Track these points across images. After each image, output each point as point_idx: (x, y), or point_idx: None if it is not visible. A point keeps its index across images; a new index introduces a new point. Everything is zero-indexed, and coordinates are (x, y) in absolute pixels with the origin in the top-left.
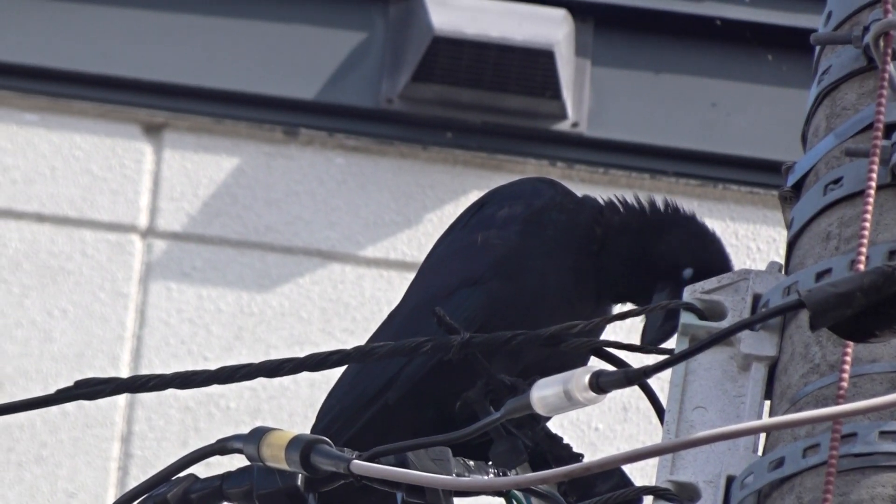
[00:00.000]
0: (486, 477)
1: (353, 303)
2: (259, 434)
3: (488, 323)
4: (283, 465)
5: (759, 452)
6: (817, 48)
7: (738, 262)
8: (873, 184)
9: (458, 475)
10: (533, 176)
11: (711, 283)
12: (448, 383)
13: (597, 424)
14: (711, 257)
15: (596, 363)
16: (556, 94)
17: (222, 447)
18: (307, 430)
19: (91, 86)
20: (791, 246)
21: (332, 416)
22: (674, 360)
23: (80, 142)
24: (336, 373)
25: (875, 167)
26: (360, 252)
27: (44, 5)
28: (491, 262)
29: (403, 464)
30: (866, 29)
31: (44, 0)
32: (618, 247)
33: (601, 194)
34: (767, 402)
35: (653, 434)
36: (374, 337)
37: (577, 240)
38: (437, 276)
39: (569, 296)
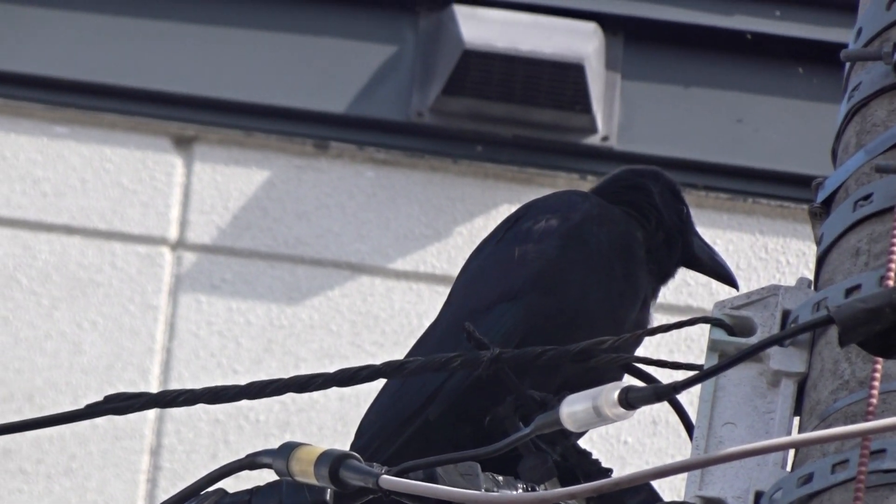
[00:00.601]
0: (514, 492)
1: (382, 315)
2: (288, 449)
3: (527, 338)
4: (312, 480)
5: (788, 468)
6: (847, 64)
7: (768, 275)
8: None
9: (486, 490)
10: (565, 189)
11: (741, 298)
12: (489, 398)
13: (626, 438)
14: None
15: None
16: (586, 107)
17: (251, 462)
18: (336, 444)
19: (122, 98)
20: (820, 262)
21: (372, 433)
22: (703, 375)
23: (111, 154)
24: (366, 387)
25: None
26: (390, 265)
27: (74, 18)
28: (529, 277)
29: (432, 479)
30: None
31: (74, 13)
32: (659, 244)
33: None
34: (797, 419)
35: (682, 448)
36: (412, 352)
37: (624, 249)
38: (474, 291)
39: (612, 309)
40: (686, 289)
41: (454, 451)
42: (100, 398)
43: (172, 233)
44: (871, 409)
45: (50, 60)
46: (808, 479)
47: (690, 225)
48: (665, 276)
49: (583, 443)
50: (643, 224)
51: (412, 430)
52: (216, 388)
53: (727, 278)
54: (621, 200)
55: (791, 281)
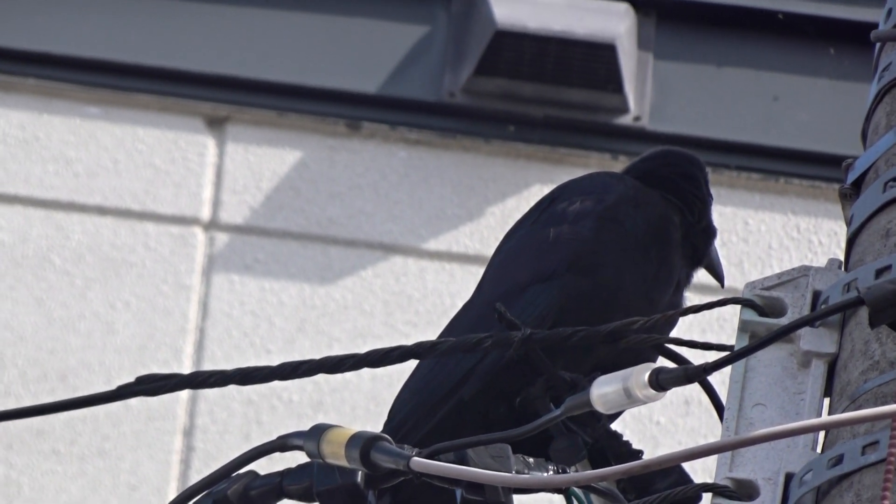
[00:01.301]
0: (545, 474)
1: (415, 295)
2: (319, 431)
3: (562, 319)
4: (343, 462)
5: (819, 449)
6: (877, 45)
7: (800, 255)
8: None
9: (517, 472)
10: (599, 171)
11: (772, 279)
12: (523, 378)
13: (658, 418)
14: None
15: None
16: (618, 87)
17: (283, 444)
18: (369, 424)
19: (154, 79)
20: (851, 243)
21: (406, 412)
22: (733, 357)
23: (143, 135)
24: (399, 367)
25: None
26: (423, 245)
27: None
28: (564, 258)
29: (463, 461)
30: None
31: None
32: (697, 231)
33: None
34: (827, 399)
35: (714, 428)
36: (446, 332)
37: (659, 232)
38: (509, 271)
39: (646, 291)
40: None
41: (487, 432)
42: (132, 378)
43: (205, 213)
44: None
45: (82, 41)
46: (839, 460)
47: (709, 216)
48: (699, 260)
49: (615, 423)
50: (681, 208)
51: (446, 410)
52: (247, 369)
53: (717, 275)
54: (665, 185)
55: (823, 261)
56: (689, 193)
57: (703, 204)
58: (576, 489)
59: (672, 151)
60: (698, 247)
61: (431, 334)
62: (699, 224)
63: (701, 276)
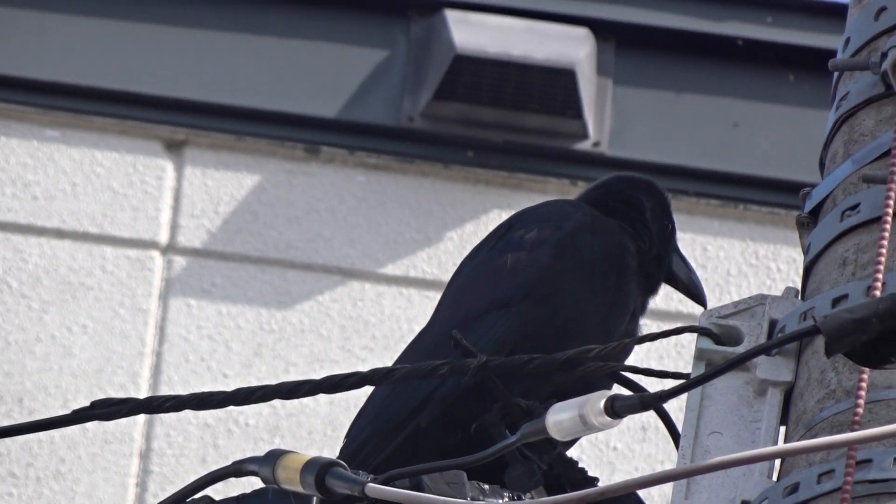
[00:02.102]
0: (500, 501)
1: (372, 320)
2: (274, 456)
3: (520, 346)
4: (299, 488)
5: (775, 478)
6: (835, 74)
7: (759, 281)
8: (890, 210)
9: (472, 499)
10: (557, 198)
11: (728, 308)
12: (481, 405)
13: (615, 444)
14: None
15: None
16: (577, 113)
17: (238, 469)
18: (326, 448)
19: (112, 102)
20: (807, 271)
21: (363, 439)
22: (689, 385)
23: (101, 158)
24: (356, 392)
25: (892, 194)
26: (380, 270)
27: (65, 21)
28: (521, 285)
29: (418, 487)
30: (884, 55)
31: (65, 16)
32: (651, 264)
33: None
34: (783, 428)
35: (671, 454)
36: (402, 358)
37: (616, 260)
38: (466, 298)
39: (603, 318)
40: (676, 295)
41: (443, 459)
42: (89, 402)
43: (163, 237)
44: (857, 418)
45: (41, 64)
46: (794, 488)
47: (673, 240)
48: (653, 289)
49: (572, 448)
50: (635, 236)
51: (403, 437)
52: (203, 394)
53: (699, 298)
54: (614, 212)
55: (782, 287)
56: (634, 220)
57: (648, 230)
58: None
59: (618, 178)
60: (651, 274)
61: (388, 359)
62: (650, 251)
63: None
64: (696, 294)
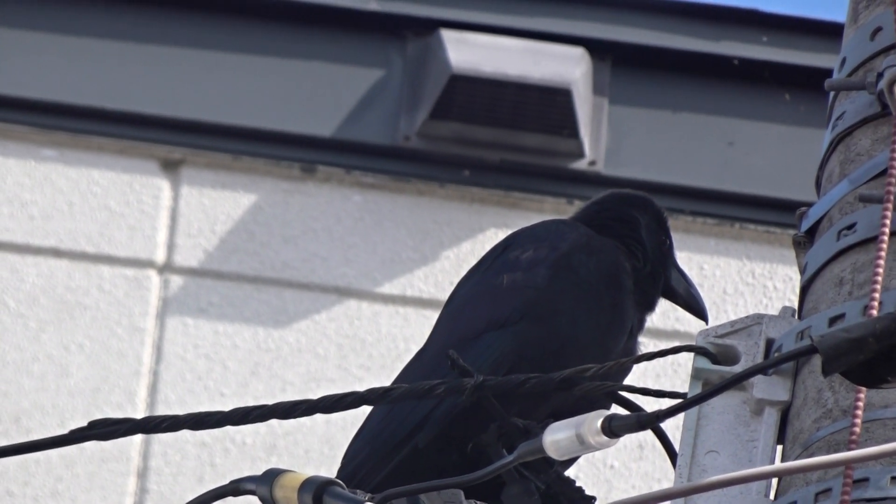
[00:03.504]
0: None
1: (369, 339)
2: (272, 476)
3: (516, 366)
4: None
5: (772, 496)
6: (831, 93)
7: (755, 300)
8: (887, 230)
9: None
10: (553, 218)
11: (725, 327)
12: (478, 425)
13: (612, 462)
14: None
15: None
16: (573, 132)
17: (235, 488)
18: (323, 467)
19: (109, 122)
20: (804, 291)
21: (361, 459)
22: (686, 404)
23: (98, 177)
24: (353, 411)
25: (889, 213)
26: (377, 289)
27: (62, 41)
28: (518, 305)
29: None
30: (880, 75)
31: (62, 36)
32: (647, 281)
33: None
34: (780, 447)
35: (669, 472)
36: (399, 378)
37: (612, 279)
38: (463, 318)
39: (600, 338)
40: (673, 314)
41: (441, 479)
42: (87, 421)
43: (160, 256)
44: (854, 437)
45: (38, 83)
46: None
47: (671, 256)
48: (650, 305)
49: (570, 467)
50: (631, 254)
51: (401, 457)
52: (200, 414)
53: (699, 313)
54: (609, 230)
55: (778, 306)
56: (629, 237)
57: (644, 247)
58: None
59: (613, 195)
60: (648, 292)
61: (385, 378)
62: (645, 268)
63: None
64: (695, 308)
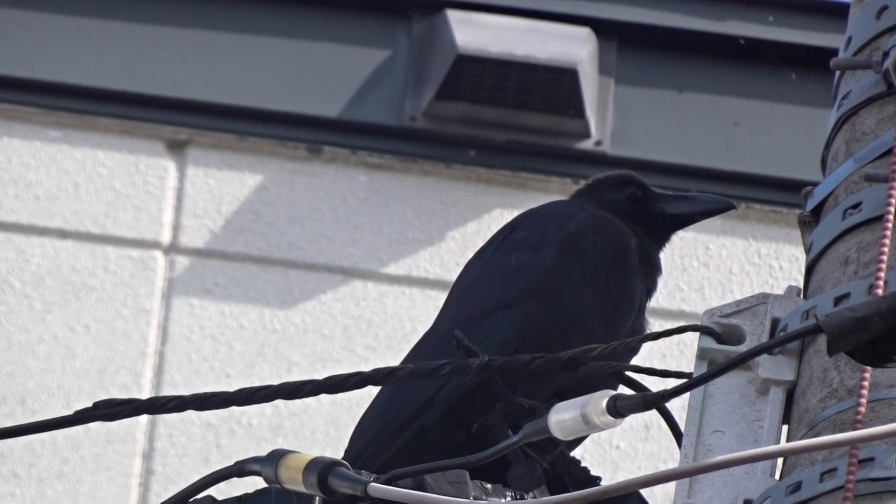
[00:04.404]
0: (503, 500)
1: (375, 320)
2: (277, 456)
3: (523, 346)
4: (301, 488)
5: (777, 477)
6: (837, 73)
7: (761, 280)
8: (892, 209)
9: (475, 498)
10: (560, 199)
11: (730, 307)
12: (485, 405)
13: (618, 443)
14: None
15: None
16: (579, 112)
17: (240, 469)
18: (328, 448)
19: (115, 102)
20: (810, 270)
21: (367, 439)
22: (692, 384)
23: (104, 158)
24: (359, 392)
25: (894, 192)
26: (383, 269)
27: (68, 22)
28: (525, 285)
29: (421, 486)
30: (886, 54)
31: (68, 17)
32: (652, 255)
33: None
34: (785, 427)
35: (674, 453)
36: (407, 359)
37: (619, 258)
38: (471, 299)
39: (607, 318)
40: (679, 294)
41: (447, 459)
42: (92, 401)
43: (165, 237)
44: (859, 417)
45: (44, 64)
46: (797, 487)
47: (654, 195)
48: (654, 274)
49: (575, 447)
50: (636, 232)
51: (407, 437)
52: (205, 394)
53: (720, 207)
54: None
55: (784, 286)
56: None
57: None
58: None
59: (599, 180)
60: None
61: (391, 359)
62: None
63: (661, 301)
64: (713, 208)
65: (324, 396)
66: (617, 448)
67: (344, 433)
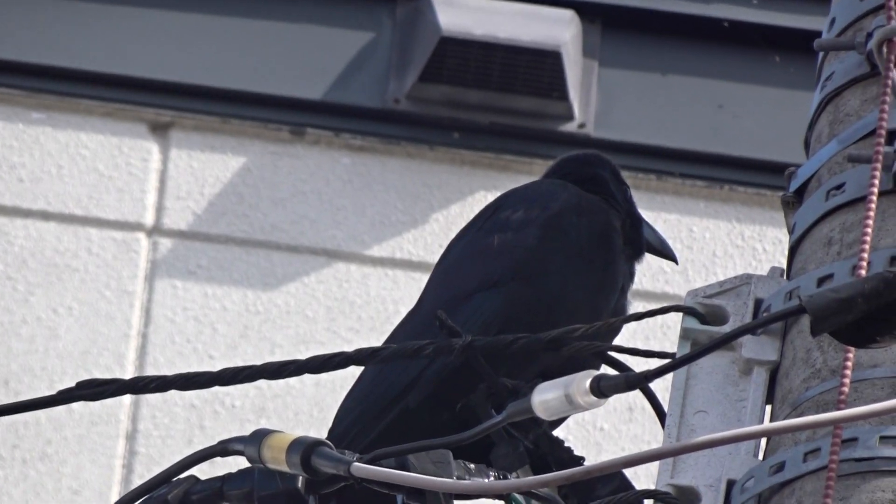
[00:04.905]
0: (486, 480)
1: (358, 302)
2: (260, 436)
3: (507, 327)
4: (284, 468)
5: (760, 456)
6: (821, 54)
7: (745, 263)
8: (875, 190)
9: (458, 478)
10: (544, 179)
11: (713, 287)
12: (469, 386)
13: (602, 424)
14: None
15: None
16: (563, 94)
17: (223, 449)
18: (312, 430)
19: (98, 84)
20: (793, 251)
21: (351, 420)
22: (675, 364)
23: (87, 140)
24: (342, 373)
25: (877, 173)
26: (366, 251)
27: (51, 4)
28: (509, 265)
29: (404, 466)
30: (869, 35)
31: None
32: (632, 233)
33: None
34: (768, 407)
35: (658, 435)
36: (390, 340)
37: (603, 239)
38: (454, 279)
39: (591, 298)
40: (662, 276)
41: (430, 439)
42: (75, 383)
43: (148, 219)
44: (842, 397)
45: (26, 47)
46: (780, 467)
47: (634, 205)
48: (637, 254)
49: (558, 429)
50: (617, 212)
51: (391, 418)
52: (189, 374)
53: (670, 256)
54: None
55: (767, 269)
56: (602, 195)
57: (617, 202)
58: (517, 495)
59: (567, 159)
60: (635, 244)
61: (374, 341)
62: (626, 221)
63: (644, 283)
64: (667, 253)
65: (307, 378)
66: (601, 430)
67: (328, 415)
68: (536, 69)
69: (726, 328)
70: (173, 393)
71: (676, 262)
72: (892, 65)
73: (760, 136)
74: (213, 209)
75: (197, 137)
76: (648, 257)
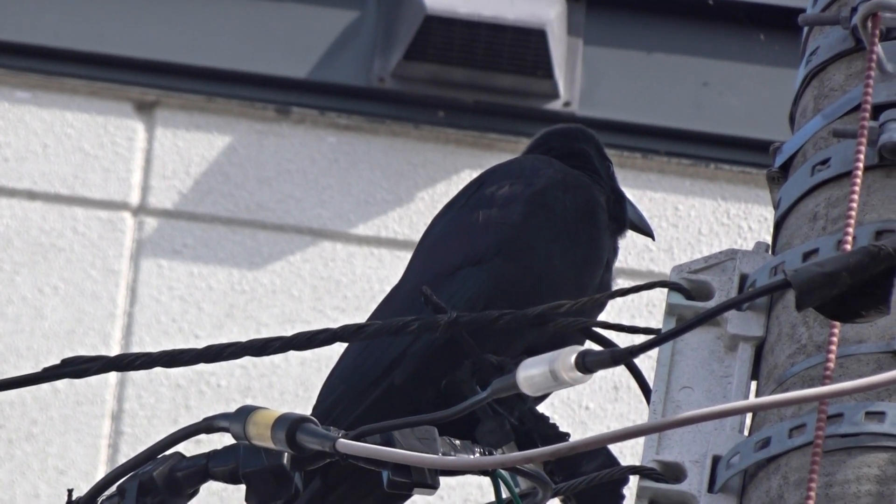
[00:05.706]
0: (471, 456)
1: (343, 280)
2: (245, 413)
3: (492, 303)
4: (269, 444)
5: (746, 432)
6: (805, 29)
7: (730, 240)
8: (860, 164)
9: (443, 454)
10: (528, 154)
11: (699, 262)
12: (454, 362)
13: (587, 403)
14: None
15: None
16: (548, 73)
17: (209, 426)
18: (297, 409)
19: (83, 63)
20: (778, 226)
21: (336, 397)
22: (660, 339)
23: (72, 119)
24: (328, 351)
25: (862, 148)
26: (352, 230)
27: None
28: (494, 242)
29: (390, 443)
30: (854, 10)
31: None
32: (620, 211)
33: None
34: (754, 383)
35: (644, 413)
36: (374, 316)
37: (588, 214)
38: (439, 255)
39: (576, 274)
40: (647, 254)
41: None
42: (60, 361)
43: (134, 198)
44: (828, 373)
45: (11, 26)
46: (766, 443)
47: (615, 180)
48: (621, 230)
49: (544, 408)
50: (601, 187)
51: (376, 395)
52: (173, 351)
53: (647, 232)
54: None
55: (752, 246)
56: (585, 170)
57: (601, 175)
58: (502, 471)
59: (550, 132)
60: (618, 218)
61: (360, 319)
62: (610, 196)
63: (629, 261)
64: (644, 229)
65: (293, 357)
66: (586, 409)
67: (313, 394)
68: (521, 47)
69: (711, 303)
70: (158, 372)
71: (653, 239)
72: (876, 39)
73: (745, 114)
74: (199, 188)
75: (182, 116)
76: (632, 235)
